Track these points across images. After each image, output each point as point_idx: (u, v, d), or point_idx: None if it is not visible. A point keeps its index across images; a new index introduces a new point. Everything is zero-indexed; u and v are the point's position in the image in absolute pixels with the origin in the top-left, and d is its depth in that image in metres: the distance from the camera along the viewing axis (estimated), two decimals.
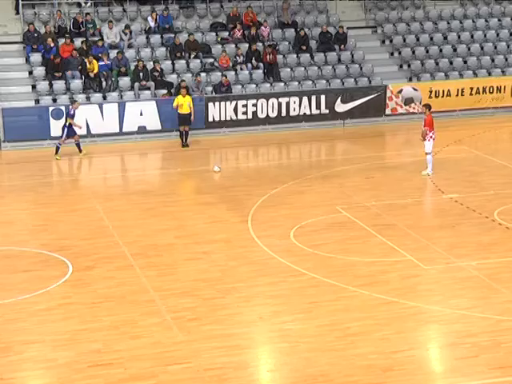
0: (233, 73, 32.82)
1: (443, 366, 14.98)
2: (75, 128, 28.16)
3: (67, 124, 28.04)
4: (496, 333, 15.49)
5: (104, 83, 31.59)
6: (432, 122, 25.19)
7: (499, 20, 37.17)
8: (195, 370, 14.33)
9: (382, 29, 36.30)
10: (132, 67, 32.06)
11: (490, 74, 34.40)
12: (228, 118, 31.30)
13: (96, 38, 32.87)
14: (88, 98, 31.06)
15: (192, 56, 33.25)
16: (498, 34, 36.46)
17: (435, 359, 15.34)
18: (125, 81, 31.83)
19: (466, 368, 14.34)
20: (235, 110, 31.37)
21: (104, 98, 31.19)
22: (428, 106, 25.62)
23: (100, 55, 31.93)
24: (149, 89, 31.53)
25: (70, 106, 28.37)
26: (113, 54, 32.39)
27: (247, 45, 33.79)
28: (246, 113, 31.47)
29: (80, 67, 31.64)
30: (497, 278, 17.96)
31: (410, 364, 14.53)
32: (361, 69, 34.03)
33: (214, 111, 31.17)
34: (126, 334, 15.62)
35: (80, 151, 28.24)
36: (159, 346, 15.13)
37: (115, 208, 23.15)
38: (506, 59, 35.17)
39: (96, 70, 31.36)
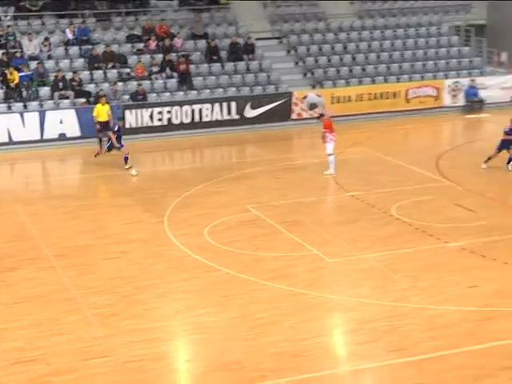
0: (148, 82, 32.64)
1: (346, 351, 15.20)
2: None
3: None
4: (392, 318, 15.76)
5: (25, 93, 31.06)
6: (331, 124, 25.47)
7: (394, 31, 37.81)
8: (115, 363, 14.22)
9: (288, 40, 36.55)
10: (52, 77, 31.60)
11: (386, 80, 34.94)
12: (144, 125, 31.13)
13: (16, 50, 32.27)
14: (9, 107, 30.51)
15: (109, 66, 32.95)
16: (392, 44, 37.07)
17: (339, 344, 15.54)
18: (45, 90, 31.37)
19: (366, 351, 14.56)
20: (151, 116, 31.23)
21: (25, 107, 30.66)
22: (321, 115, 26.07)
23: (20, 66, 31.37)
24: (68, 98, 31.12)
25: None
26: (33, 65, 31.87)
27: (161, 55, 33.64)
28: (161, 119, 31.37)
29: (1, 78, 31.05)
30: (393, 268, 18.27)
31: (316, 350, 14.67)
32: (268, 77, 34.20)
33: (131, 118, 30.97)
34: (48, 331, 15.40)
35: None
36: (80, 341, 14.96)
37: (36, 212, 22.80)
38: (400, 67, 35.79)
39: (16, 81, 30.84)
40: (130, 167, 26.10)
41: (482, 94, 34.91)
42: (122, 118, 28.74)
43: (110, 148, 26.71)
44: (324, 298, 16.83)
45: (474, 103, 34.67)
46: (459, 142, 30.62)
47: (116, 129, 26.75)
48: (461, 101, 34.89)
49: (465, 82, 34.97)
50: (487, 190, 23.67)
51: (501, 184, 24.29)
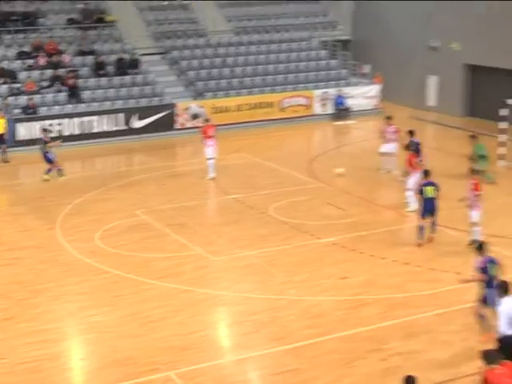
0: (39, 96, 31.89)
1: (231, 342, 15.28)
2: None
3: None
4: (273, 310, 15.95)
5: None
6: (207, 131, 25.50)
7: (268, 46, 38.14)
8: (10, 364, 13.85)
9: (170, 55, 36.41)
10: None
11: (262, 91, 35.20)
12: (36, 137, 30.36)
13: None
14: None
15: (0, 82, 32.03)
16: (267, 58, 37.33)
17: (224, 336, 15.61)
18: None
19: (249, 342, 14.69)
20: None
21: None
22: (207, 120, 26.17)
23: None
24: None
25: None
26: None
27: (51, 71, 32.93)
28: (52, 131, 30.63)
29: None
30: (273, 263, 18.48)
31: (203, 342, 14.71)
32: (153, 90, 33.96)
33: (23, 131, 30.20)
34: None
35: None
36: None
37: None
38: (275, 79, 36.11)
39: None
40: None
41: (349, 102, 35.66)
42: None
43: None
44: (209, 294, 16.87)
45: (341, 111, 35.38)
46: (329, 146, 31.17)
47: None
48: (330, 109, 35.54)
49: (333, 91, 35.61)
50: (356, 189, 24.19)
51: (368, 184, 24.85)
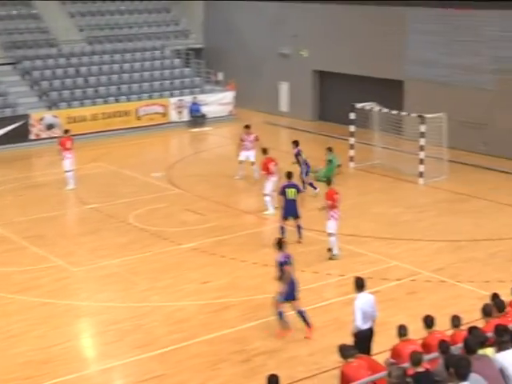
0: None
1: (94, 352, 15.00)
2: None
3: None
4: (136, 318, 15.76)
5: None
6: (64, 143, 24.88)
7: (122, 55, 37.62)
8: None
9: (22, 65, 35.32)
10: None
11: (117, 100, 34.79)
12: None
13: None
14: None
15: None
16: (121, 67, 36.89)
17: (87, 347, 15.30)
18: None
19: (113, 351, 14.45)
20: None
21: None
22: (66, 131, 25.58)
23: None
24: None
25: None
26: None
27: None
28: None
29: None
30: (135, 271, 18.28)
31: (66, 354, 14.36)
32: (5, 101, 32.84)
33: None
34: None
35: None
36: None
37: None
38: (130, 88, 35.76)
39: None
40: None
41: (204, 109, 35.80)
42: None
43: None
44: (71, 305, 16.48)
45: (197, 118, 35.45)
46: (187, 153, 31.17)
47: None
48: (186, 116, 35.55)
49: (188, 99, 35.65)
50: (213, 194, 24.28)
51: (225, 188, 25.00)
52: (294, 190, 19.35)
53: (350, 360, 10.83)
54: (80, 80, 35.30)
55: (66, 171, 24.90)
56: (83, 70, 35.96)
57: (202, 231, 20.96)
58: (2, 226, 21.53)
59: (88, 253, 19.49)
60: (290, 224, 19.73)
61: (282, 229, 19.46)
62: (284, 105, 37.19)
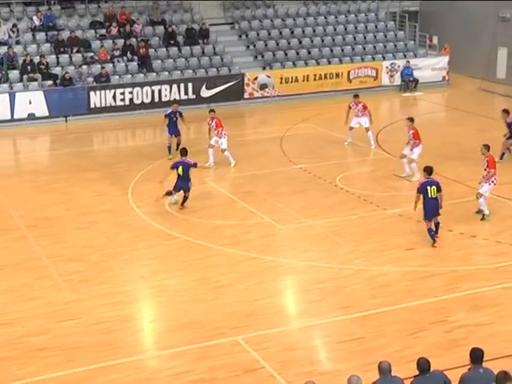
0: (111, 65, 32.21)
1: (297, 309, 15.33)
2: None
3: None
4: (339, 279, 15.92)
5: None
6: (220, 124, 23.91)
7: (336, 17, 37.70)
8: (86, 324, 14.17)
9: (239, 25, 36.28)
10: (20, 61, 31.00)
11: (329, 62, 34.89)
12: (108, 105, 30.79)
13: None
14: None
15: (74, 51, 32.42)
16: (335, 29, 36.94)
17: (290, 304, 15.67)
18: (14, 74, 30.75)
19: (315, 310, 14.70)
20: (114, 97, 30.85)
21: None
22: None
23: None
24: (36, 80, 30.57)
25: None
26: (3, 49, 31.23)
27: (123, 40, 33.19)
28: (123, 99, 31.00)
29: None
30: (339, 233, 18.42)
31: (269, 309, 14.79)
32: (222, 60, 33.94)
33: (96, 99, 30.56)
34: (22, 296, 15.28)
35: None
36: (53, 305, 14.89)
37: (9, 186, 22.46)
38: (342, 50, 35.75)
39: None
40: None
41: (417, 74, 35.07)
42: None
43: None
44: (276, 262, 16.92)
45: (409, 82, 34.82)
46: (396, 118, 30.69)
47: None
48: (397, 80, 35.03)
49: (401, 63, 35.06)
50: (423, 161, 23.76)
51: (433, 156, 24.40)
52: (435, 187, 17.46)
53: None
54: (294, 41, 35.73)
55: (223, 150, 23.94)
56: (297, 30, 36.33)
57: (409, 198, 20.61)
58: (215, 180, 22.45)
59: (295, 211, 19.85)
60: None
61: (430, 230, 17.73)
62: (502, 72, 35.58)
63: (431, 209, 17.46)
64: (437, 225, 17.78)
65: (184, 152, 20.40)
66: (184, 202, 20.08)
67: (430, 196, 17.41)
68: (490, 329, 13.82)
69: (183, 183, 20.00)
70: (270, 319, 14.36)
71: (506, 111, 23.89)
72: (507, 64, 35.33)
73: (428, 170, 17.69)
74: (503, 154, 23.53)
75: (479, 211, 19.13)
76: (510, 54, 35.04)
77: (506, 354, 12.89)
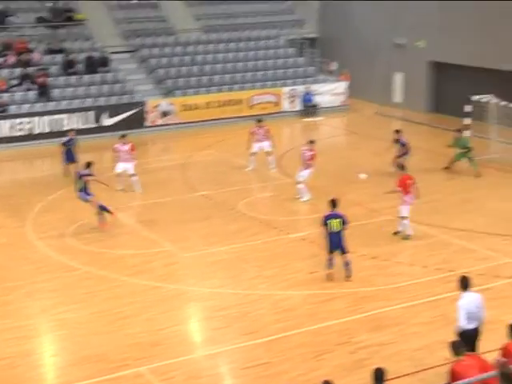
0: (8, 94, 31.54)
1: (201, 337, 15.25)
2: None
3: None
4: (243, 305, 15.93)
5: None
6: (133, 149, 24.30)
7: (236, 44, 38.05)
8: None
9: (140, 53, 36.20)
10: None
11: (231, 89, 35.15)
12: (5, 135, 30.14)
13: None
14: None
15: None
16: (235, 56, 37.26)
17: (195, 331, 15.57)
18: None
19: (220, 337, 14.65)
20: (12, 127, 30.25)
21: None
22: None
23: None
24: None
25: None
26: None
27: (20, 69, 32.59)
28: (22, 129, 30.43)
29: None
30: (243, 259, 18.46)
31: (174, 338, 14.66)
32: (123, 88, 33.76)
33: None
34: None
35: None
36: None
37: None
38: (243, 77, 36.07)
39: None
40: None
41: (317, 99, 35.71)
42: None
43: None
44: (180, 290, 16.81)
45: (309, 108, 35.43)
46: (298, 143, 31.05)
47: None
48: (298, 106, 35.58)
49: (301, 89, 35.66)
50: (323, 184, 24.11)
51: (335, 179, 24.81)
52: (338, 220, 16.84)
53: (460, 358, 10.63)
54: (195, 68, 35.88)
55: (131, 175, 24.05)
56: (199, 58, 36.51)
57: (311, 221, 20.92)
58: (118, 209, 22.17)
59: (198, 239, 19.80)
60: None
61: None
62: (398, 96, 36.65)
63: (334, 243, 16.81)
64: (346, 264, 16.97)
65: None
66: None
67: (332, 230, 16.77)
68: (393, 348, 14.07)
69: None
70: (174, 348, 14.23)
71: (398, 131, 25.19)
72: (402, 88, 36.38)
73: (333, 203, 17.05)
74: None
75: (397, 232, 19.53)
76: (406, 79, 36.11)
77: (409, 372, 13.14)
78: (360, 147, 28.72)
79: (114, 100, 32.84)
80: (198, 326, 15.73)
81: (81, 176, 20.51)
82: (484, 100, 26.59)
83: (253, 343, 14.34)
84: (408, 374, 13.12)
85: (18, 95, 31.78)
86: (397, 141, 25.07)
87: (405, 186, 19.17)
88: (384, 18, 36.68)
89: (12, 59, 33.05)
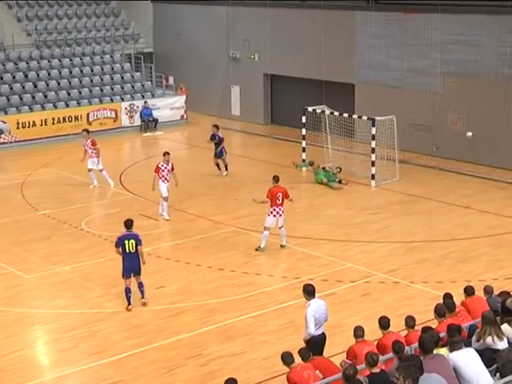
0: None
1: (49, 360, 14.88)
2: None
3: None
4: (91, 324, 15.68)
5: None
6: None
7: (71, 60, 37.33)
8: None
9: None
10: None
11: (67, 105, 34.49)
12: None
13: None
14: None
15: None
16: (70, 72, 36.54)
17: (42, 354, 15.16)
18: None
19: (68, 358, 14.37)
20: None
21: None
22: None
23: None
24: None
25: None
26: None
27: None
28: None
29: None
30: (89, 277, 18.16)
31: (20, 363, 14.23)
32: None
33: None
34: None
35: None
36: None
37: None
38: (80, 92, 35.50)
39: None
40: None
41: (156, 114, 35.68)
42: None
43: None
44: (24, 313, 16.32)
45: (148, 122, 35.32)
46: (139, 158, 31.01)
47: None
48: (137, 121, 35.39)
49: (139, 104, 35.49)
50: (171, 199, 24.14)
51: (177, 193, 24.88)
52: (133, 241, 16.21)
53: (292, 365, 11.04)
54: (29, 85, 34.92)
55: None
56: (32, 74, 35.57)
57: (156, 236, 20.90)
58: None
59: (41, 259, 19.29)
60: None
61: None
62: (236, 109, 37.24)
63: (129, 265, 16.17)
64: (140, 285, 16.42)
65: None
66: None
67: (127, 251, 16.08)
68: (243, 357, 14.27)
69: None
70: (20, 373, 13.79)
71: (216, 126, 27.28)
72: (240, 101, 37.04)
73: (127, 224, 16.37)
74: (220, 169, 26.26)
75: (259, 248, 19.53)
76: (242, 92, 36.78)
77: (260, 381, 13.38)
78: (202, 160, 28.93)
79: None
80: (45, 349, 15.30)
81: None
82: (318, 110, 27.53)
83: (103, 362, 14.13)
84: (259, 383, 13.36)
85: None
86: (214, 136, 26.65)
87: (273, 198, 19.19)
88: (217, 32, 37.19)
89: None
